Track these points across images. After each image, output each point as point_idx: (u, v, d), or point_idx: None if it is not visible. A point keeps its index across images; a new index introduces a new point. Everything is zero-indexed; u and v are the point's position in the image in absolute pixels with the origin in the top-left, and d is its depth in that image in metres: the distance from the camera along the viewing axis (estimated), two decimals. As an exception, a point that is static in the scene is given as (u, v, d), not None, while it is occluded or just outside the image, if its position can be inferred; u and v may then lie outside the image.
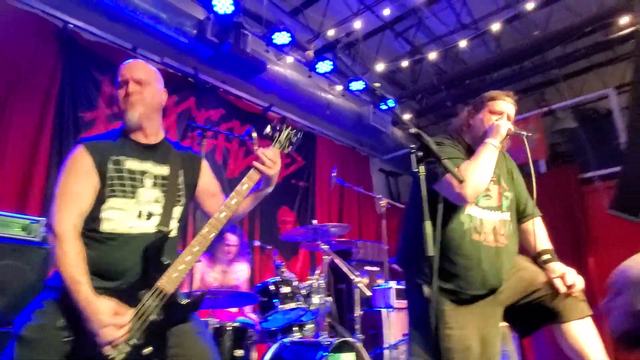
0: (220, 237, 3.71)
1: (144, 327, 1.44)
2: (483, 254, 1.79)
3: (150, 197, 1.61)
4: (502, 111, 1.91)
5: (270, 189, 1.79)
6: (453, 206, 1.79)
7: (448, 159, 1.75)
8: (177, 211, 1.68)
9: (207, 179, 1.84)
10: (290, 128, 1.77)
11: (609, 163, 5.08)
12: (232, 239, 3.77)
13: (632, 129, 4.32)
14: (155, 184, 1.63)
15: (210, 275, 3.63)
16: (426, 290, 1.82)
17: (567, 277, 1.78)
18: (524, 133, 1.86)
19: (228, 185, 4.77)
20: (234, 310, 3.73)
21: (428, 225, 1.51)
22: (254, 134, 3.06)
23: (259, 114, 5.45)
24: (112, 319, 1.36)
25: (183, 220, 1.72)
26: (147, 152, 1.67)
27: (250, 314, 3.67)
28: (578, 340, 1.74)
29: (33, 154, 3.55)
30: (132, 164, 1.61)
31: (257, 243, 4.06)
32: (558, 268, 1.82)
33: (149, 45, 4.42)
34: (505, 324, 3.26)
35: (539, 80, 6.54)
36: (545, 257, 1.89)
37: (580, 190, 5.29)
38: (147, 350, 1.43)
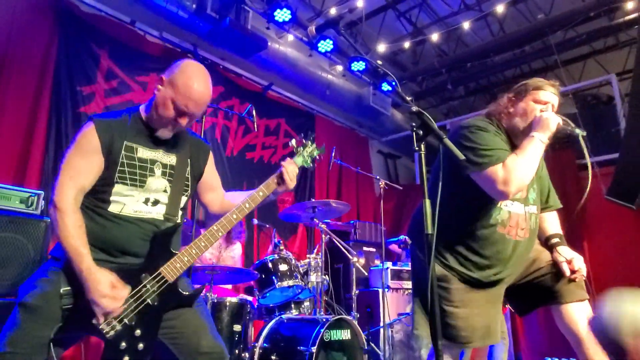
0: None
1: (139, 309, 1.47)
2: (504, 247, 1.77)
3: (158, 186, 1.63)
4: (547, 101, 1.80)
5: (274, 198, 1.84)
6: (487, 197, 1.73)
7: (493, 149, 1.68)
8: (183, 201, 1.71)
9: (210, 172, 1.86)
10: (314, 145, 1.85)
11: (607, 150, 5.10)
12: None
13: (631, 116, 4.33)
14: (164, 173, 1.65)
15: (207, 252, 3.66)
16: (436, 268, 1.84)
17: (575, 262, 1.80)
18: (578, 132, 1.72)
19: (227, 164, 4.76)
20: (229, 287, 3.78)
21: (427, 204, 1.52)
22: (254, 112, 3.06)
23: (259, 92, 5.41)
24: (110, 290, 1.39)
25: (186, 209, 1.77)
26: (159, 139, 1.66)
27: (244, 296, 3.72)
28: (574, 321, 1.77)
29: (31, 128, 3.51)
30: (143, 152, 1.62)
31: (255, 222, 4.08)
32: (567, 253, 1.84)
33: (147, 19, 4.34)
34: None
35: (539, 65, 6.50)
36: (555, 240, 1.91)
37: (577, 175, 5.31)
38: (137, 332, 1.45)
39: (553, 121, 1.72)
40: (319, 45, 4.81)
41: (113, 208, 1.55)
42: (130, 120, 1.64)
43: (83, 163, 1.52)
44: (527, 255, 1.86)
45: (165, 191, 1.65)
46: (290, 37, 5.00)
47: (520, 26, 5.53)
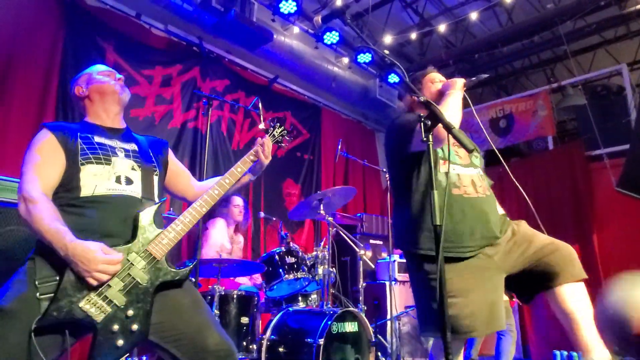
0: (226, 202, 3.91)
1: (129, 288, 1.41)
2: (466, 206, 1.82)
3: (126, 165, 1.62)
4: (440, 79, 2.08)
5: (254, 178, 1.95)
6: (430, 168, 1.76)
7: (415, 119, 1.81)
8: (156, 180, 1.70)
9: (175, 161, 1.91)
10: (283, 127, 2.00)
11: (617, 141, 5.03)
12: (237, 200, 3.92)
13: (643, 106, 4.26)
14: (127, 155, 1.66)
15: (224, 244, 3.70)
16: (426, 265, 1.84)
17: None
18: (482, 75, 1.98)
19: (233, 157, 4.76)
20: (238, 279, 3.80)
21: (436, 195, 1.51)
22: (260, 105, 3.05)
23: (265, 85, 5.39)
24: (104, 256, 1.35)
25: (162, 192, 1.76)
26: (113, 132, 1.72)
27: (251, 283, 3.75)
28: (567, 302, 1.75)
29: (39, 122, 3.53)
30: (100, 139, 1.65)
31: (262, 215, 4.09)
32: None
33: (152, 12, 4.33)
34: (506, 298, 3.29)
35: (548, 55, 6.41)
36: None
37: (587, 167, 5.25)
38: (129, 312, 1.39)
39: (459, 80, 1.96)
40: (324, 37, 4.77)
41: (85, 191, 1.51)
42: (79, 123, 1.71)
43: (45, 161, 1.51)
44: (496, 215, 1.88)
45: (134, 169, 1.63)
46: (296, 29, 4.97)
47: (529, 16, 5.45)
